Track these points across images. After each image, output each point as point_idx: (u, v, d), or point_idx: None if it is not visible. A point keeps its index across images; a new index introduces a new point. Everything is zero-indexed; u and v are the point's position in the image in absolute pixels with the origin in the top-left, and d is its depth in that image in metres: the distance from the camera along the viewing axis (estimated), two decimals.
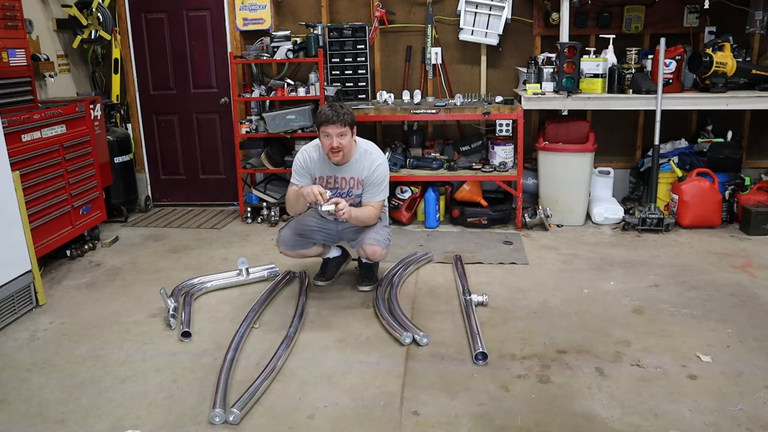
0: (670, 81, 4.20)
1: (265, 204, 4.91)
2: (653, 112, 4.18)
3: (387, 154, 4.35)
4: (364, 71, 4.77)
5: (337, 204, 2.93)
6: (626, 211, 4.53)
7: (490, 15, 4.62)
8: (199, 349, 2.77)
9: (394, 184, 4.45)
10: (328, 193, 2.95)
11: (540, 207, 4.47)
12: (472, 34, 4.69)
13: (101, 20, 4.81)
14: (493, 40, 4.68)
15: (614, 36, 4.39)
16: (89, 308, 3.26)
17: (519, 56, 4.86)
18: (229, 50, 5.02)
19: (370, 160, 3.12)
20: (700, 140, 4.62)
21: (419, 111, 4.45)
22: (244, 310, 3.08)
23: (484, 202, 4.53)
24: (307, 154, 3.18)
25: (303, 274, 3.52)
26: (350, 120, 3.01)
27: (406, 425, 2.17)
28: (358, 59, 4.74)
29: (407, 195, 4.58)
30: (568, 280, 3.48)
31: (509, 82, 4.93)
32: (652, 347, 2.68)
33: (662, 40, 4.08)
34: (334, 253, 3.58)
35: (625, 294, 3.26)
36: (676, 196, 4.36)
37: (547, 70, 4.47)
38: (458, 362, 2.59)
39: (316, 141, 3.18)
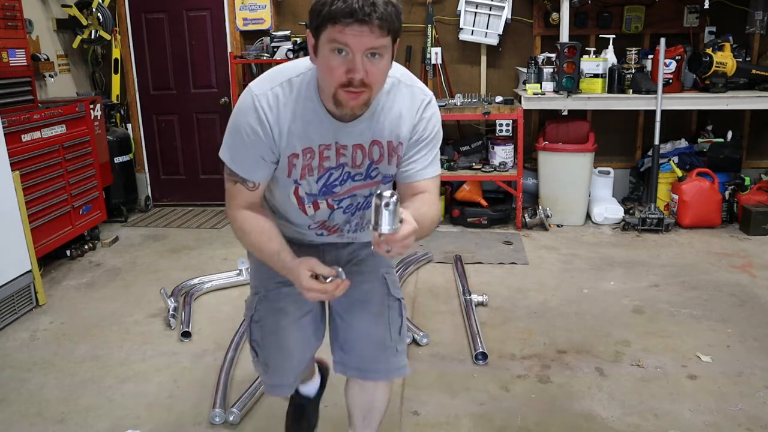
0: (670, 81, 4.20)
1: None
2: (653, 112, 4.18)
3: None
4: None
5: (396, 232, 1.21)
6: (626, 211, 4.53)
7: (490, 15, 4.62)
8: (199, 349, 2.77)
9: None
10: (340, 271, 1.37)
11: (540, 207, 4.47)
12: (472, 34, 4.69)
13: (101, 20, 4.81)
14: (493, 40, 4.68)
15: (614, 36, 4.39)
16: (89, 308, 3.26)
17: (519, 56, 4.86)
18: (229, 50, 5.02)
19: (411, 96, 1.45)
20: (700, 140, 4.62)
21: None
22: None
23: (484, 202, 4.53)
24: (264, 101, 1.37)
25: None
26: (396, 25, 1.33)
27: (406, 425, 2.17)
28: None
29: None
30: (568, 280, 3.48)
31: (509, 82, 4.93)
32: (652, 347, 2.68)
33: (662, 40, 4.08)
34: (312, 387, 1.96)
35: (625, 294, 3.26)
36: (676, 196, 4.35)
37: (547, 70, 4.46)
38: (458, 362, 2.59)
39: (289, 70, 1.41)
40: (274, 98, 1.36)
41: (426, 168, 1.49)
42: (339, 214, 1.54)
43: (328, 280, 1.32)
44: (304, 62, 1.40)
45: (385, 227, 1.15)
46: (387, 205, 1.14)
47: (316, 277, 1.32)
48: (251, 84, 1.39)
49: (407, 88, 1.44)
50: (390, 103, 1.42)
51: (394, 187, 1.48)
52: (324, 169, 1.44)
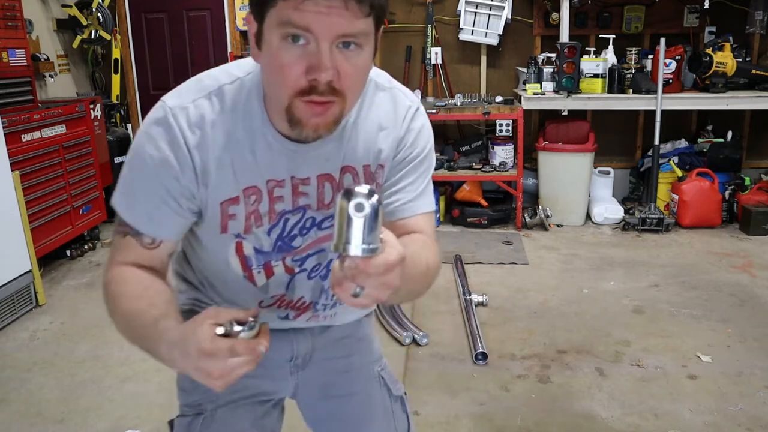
0: (670, 81, 4.20)
1: None
2: (653, 112, 4.18)
3: None
4: None
5: (374, 255, 0.71)
6: (626, 211, 4.53)
7: (490, 15, 4.62)
8: None
9: None
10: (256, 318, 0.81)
11: (540, 207, 4.47)
12: (472, 34, 4.69)
13: (101, 20, 4.81)
14: (493, 40, 4.68)
15: (614, 36, 4.39)
16: (89, 308, 3.26)
17: (519, 56, 4.86)
18: (229, 50, 5.02)
19: (392, 102, 1.02)
20: (700, 140, 4.62)
21: None
22: None
23: (484, 202, 4.53)
24: (183, 118, 0.92)
25: None
26: (381, 2, 0.82)
27: None
28: None
29: None
30: (568, 280, 3.48)
31: (509, 82, 4.93)
32: (652, 347, 2.68)
33: (662, 40, 4.08)
34: None
35: (625, 294, 3.26)
36: (676, 196, 4.35)
37: (547, 70, 4.47)
38: (458, 362, 2.59)
39: (219, 76, 0.96)
40: (197, 115, 0.91)
41: (416, 200, 1.03)
42: (302, 280, 1.06)
43: (240, 330, 0.77)
44: (243, 64, 0.96)
45: (354, 246, 0.68)
46: (359, 207, 0.68)
47: (227, 335, 0.77)
48: (166, 96, 0.95)
49: (386, 91, 1.01)
50: (365, 113, 0.98)
51: None
52: (277, 215, 0.98)
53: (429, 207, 1.06)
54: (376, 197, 0.69)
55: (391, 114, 1.01)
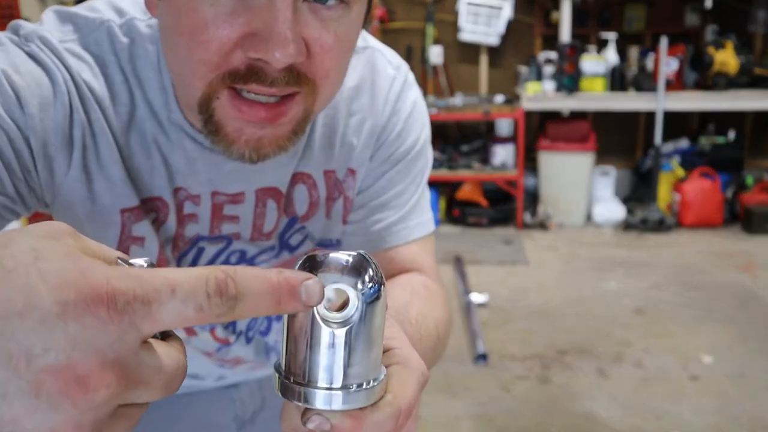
0: (672, 80, 4.19)
1: None
2: (655, 111, 4.17)
3: None
4: None
5: (373, 403, 0.33)
6: (627, 211, 4.51)
7: (490, 14, 4.61)
8: None
9: None
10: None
11: (540, 207, 4.46)
12: (472, 33, 4.68)
13: None
14: (494, 40, 4.67)
15: (615, 35, 4.38)
16: None
17: (519, 56, 4.85)
18: None
19: (370, 70, 0.69)
20: (701, 139, 4.61)
21: None
22: None
23: (484, 202, 4.52)
24: (74, 63, 0.55)
25: None
26: None
27: None
28: None
29: None
30: (568, 280, 3.47)
31: (509, 81, 4.92)
32: (653, 348, 2.66)
33: (663, 40, 4.07)
34: None
35: (626, 294, 3.25)
36: (677, 196, 4.34)
37: (548, 70, 4.45)
38: (458, 362, 2.58)
39: (90, 11, 0.58)
40: (80, 62, 0.56)
41: (409, 218, 0.70)
42: (240, 347, 0.76)
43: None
44: (140, 1, 0.58)
45: (324, 391, 0.31)
46: (339, 304, 0.32)
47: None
48: (18, 23, 0.56)
49: (359, 53, 0.68)
50: (341, 102, 0.67)
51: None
52: (188, 242, 0.65)
53: (427, 227, 0.71)
54: (371, 275, 0.32)
55: (368, 89, 0.68)
